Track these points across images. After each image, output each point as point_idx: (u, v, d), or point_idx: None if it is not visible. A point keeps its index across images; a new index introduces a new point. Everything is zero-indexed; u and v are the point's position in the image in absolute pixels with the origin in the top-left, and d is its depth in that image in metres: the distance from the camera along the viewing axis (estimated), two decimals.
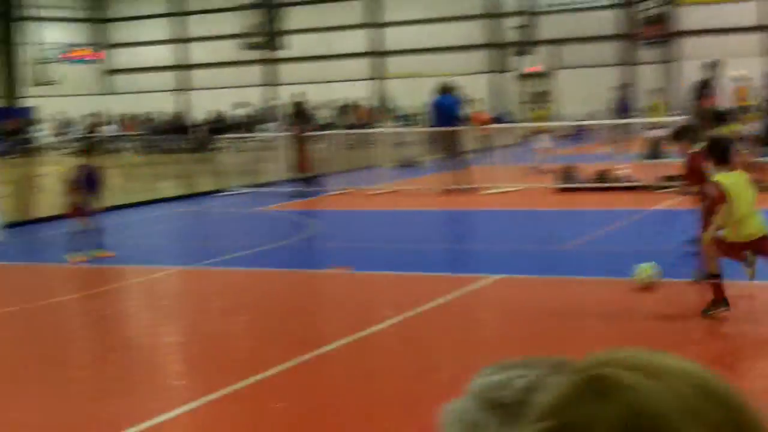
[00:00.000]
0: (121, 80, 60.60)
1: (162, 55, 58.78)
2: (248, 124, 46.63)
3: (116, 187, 22.41)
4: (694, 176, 10.97)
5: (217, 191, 24.98)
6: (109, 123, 51.10)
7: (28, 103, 54.29)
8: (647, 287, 11.01)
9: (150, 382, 8.93)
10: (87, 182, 14.97)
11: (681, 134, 11.78)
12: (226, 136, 32.16)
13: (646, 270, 11.17)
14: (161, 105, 52.36)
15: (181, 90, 58.22)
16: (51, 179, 28.14)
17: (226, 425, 7.52)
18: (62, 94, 54.82)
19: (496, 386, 1.37)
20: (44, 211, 21.44)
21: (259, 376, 8.42)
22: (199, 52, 57.89)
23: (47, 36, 56.58)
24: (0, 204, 18.41)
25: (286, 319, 11.07)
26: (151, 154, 42.97)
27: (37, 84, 55.36)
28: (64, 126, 51.25)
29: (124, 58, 60.35)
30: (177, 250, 14.93)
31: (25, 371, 9.41)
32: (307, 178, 23.53)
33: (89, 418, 7.78)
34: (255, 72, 55.68)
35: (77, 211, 15.00)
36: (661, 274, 11.09)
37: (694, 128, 12.68)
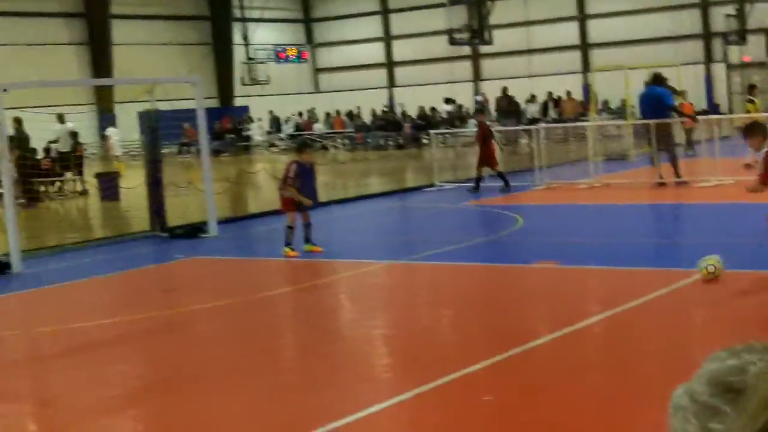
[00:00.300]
0: (328, 78, 61.85)
1: (369, 52, 59.64)
2: (455, 120, 46.82)
3: (326, 183, 22.89)
4: None
5: (425, 187, 25.15)
6: (316, 121, 52.22)
7: (241, 102, 56.10)
8: (711, 279, 10.98)
9: (359, 374, 9.06)
10: (301, 179, 15.29)
11: (751, 130, 11.79)
12: (434, 132, 32.33)
13: (709, 261, 11.12)
14: (368, 102, 53.12)
15: (388, 87, 58.95)
16: (263, 177, 29.00)
17: (435, 417, 7.54)
18: (272, 93, 56.37)
19: (730, 371, 1.32)
20: (256, 207, 22.08)
21: (466, 370, 8.41)
22: (405, 49, 58.47)
23: (258, 36, 58.30)
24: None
25: (492, 314, 11.02)
26: (358, 151, 43.68)
27: (250, 83, 57.13)
28: (273, 125, 52.70)
29: (331, 56, 61.55)
30: (385, 245, 15.09)
31: (239, 363, 9.70)
32: (500, 174, 23.32)
33: (301, 408, 7.94)
34: (461, 68, 55.80)
35: (290, 207, 15.33)
36: (724, 266, 11.03)
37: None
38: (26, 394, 9.44)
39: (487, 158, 23.31)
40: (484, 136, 23.51)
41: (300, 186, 15.22)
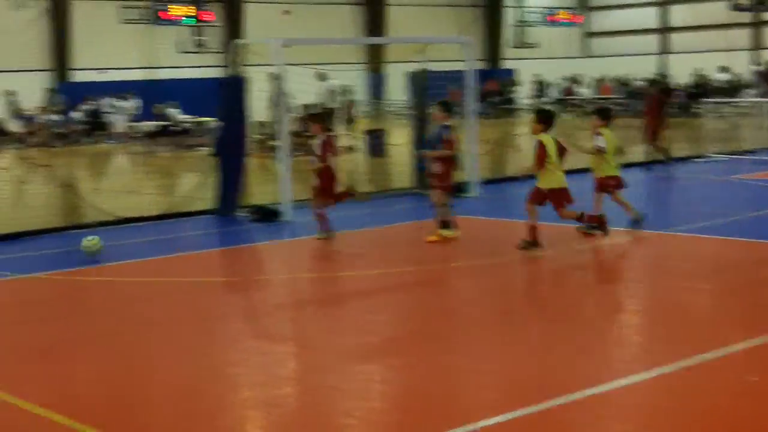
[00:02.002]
0: (598, 43, 60.72)
1: (641, 18, 58.11)
2: (731, 90, 45.03)
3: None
4: None
5: (695, 157, 24.41)
6: (584, 86, 51.40)
7: (508, 65, 55.96)
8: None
9: (620, 344, 9.00)
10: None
11: None
12: (708, 100, 31.21)
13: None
14: (639, 68, 51.78)
15: (661, 53, 57.30)
16: (526, 140, 28.89)
17: (699, 393, 7.37)
18: (540, 57, 55.94)
19: None
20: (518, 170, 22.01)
21: (730, 348, 8.20)
22: (681, 14, 56.65)
23: None
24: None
25: (756, 293, 10.63)
26: (626, 118, 42.73)
27: (518, 46, 56.89)
28: (538, 89, 52.29)
29: (603, 20, 60.37)
30: (650, 216, 14.75)
31: (491, 321, 9.80)
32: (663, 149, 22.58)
33: (554, 372, 7.95)
34: (739, 35, 53.49)
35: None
36: None
37: None
38: (288, 335, 9.88)
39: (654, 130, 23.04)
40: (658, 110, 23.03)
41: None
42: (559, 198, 13.08)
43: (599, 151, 14.18)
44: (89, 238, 13.70)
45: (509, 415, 6.88)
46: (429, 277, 12.14)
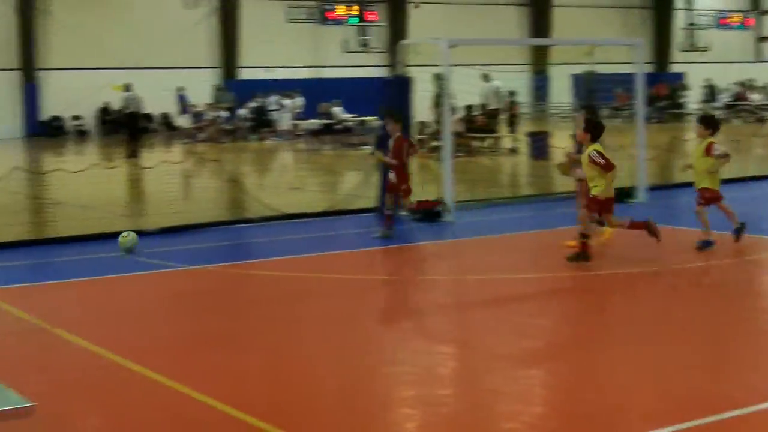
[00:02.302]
0: None
1: None
2: None
3: (762, 157, 21.85)
4: None
5: None
6: (756, 91, 49.82)
7: (677, 68, 54.72)
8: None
9: None
10: None
11: None
12: None
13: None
14: None
15: None
16: (694, 145, 28.14)
17: None
18: (710, 61, 54.52)
19: None
20: (685, 176, 21.48)
21: None
22: None
23: (701, 1, 56.47)
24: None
25: None
26: None
27: (687, 50, 55.59)
28: (708, 93, 50.92)
29: None
30: None
31: (651, 331, 9.57)
32: None
33: (730, 385, 7.72)
34: None
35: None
36: None
37: None
38: (449, 336, 9.86)
39: None
40: None
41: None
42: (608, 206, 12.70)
43: (725, 159, 13.55)
44: (125, 233, 14.00)
45: (673, 428, 6.68)
46: (589, 283, 11.95)
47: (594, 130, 12.85)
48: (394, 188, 15.08)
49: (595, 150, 12.52)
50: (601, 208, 12.58)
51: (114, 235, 14.59)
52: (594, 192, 12.60)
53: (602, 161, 12.37)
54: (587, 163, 12.55)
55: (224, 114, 38.63)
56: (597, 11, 52.18)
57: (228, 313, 10.68)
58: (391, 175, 15.12)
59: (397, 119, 15.16)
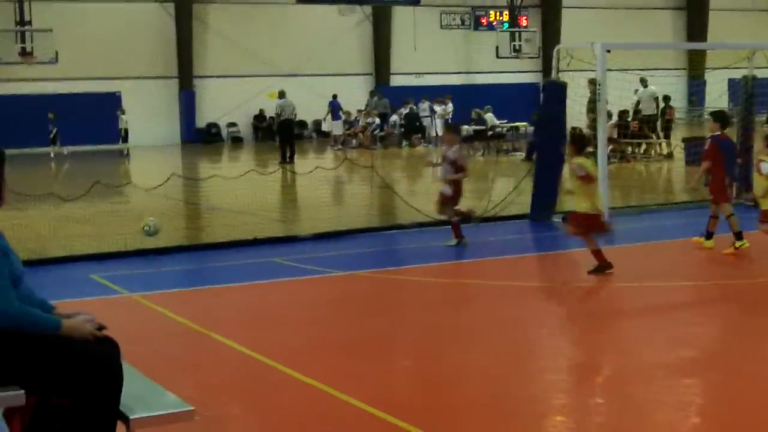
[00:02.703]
0: None
1: None
2: None
3: None
4: None
5: None
6: None
7: None
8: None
9: None
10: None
11: None
12: None
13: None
14: None
15: None
16: None
17: None
18: None
19: None
20: None
21: None
22: None
23: None
24: None
25: None
26: None
27: None
28: None
29: None
30: None
31: None
32: None
33: None
34: None
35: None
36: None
37: None
38: (608, 345, 9.68)
39: None
40: None
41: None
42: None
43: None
44: (146, 223, 13.97)
45: None
46: (748, 293, 11.59)
47: (578, 142, 12.45)
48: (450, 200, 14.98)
49: (578, 163, 12.13)
50: (583, 227, 12.22)
51: (268, 242, 14.85)
52: (577, 208, 12.27)
53: (583, 174, 12.02)
54: (570, 176, 12.32)
55: (377, 120, 38.93)
56: (754, 14, 50.72)
57: (380, 318, 10.72)
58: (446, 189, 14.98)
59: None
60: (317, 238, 15.72)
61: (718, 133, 14.03)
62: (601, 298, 11.83)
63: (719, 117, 14.29)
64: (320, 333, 10.10)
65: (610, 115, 26.91)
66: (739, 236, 13.62)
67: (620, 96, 26.96)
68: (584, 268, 12.51)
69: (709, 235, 13.99)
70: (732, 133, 16.03)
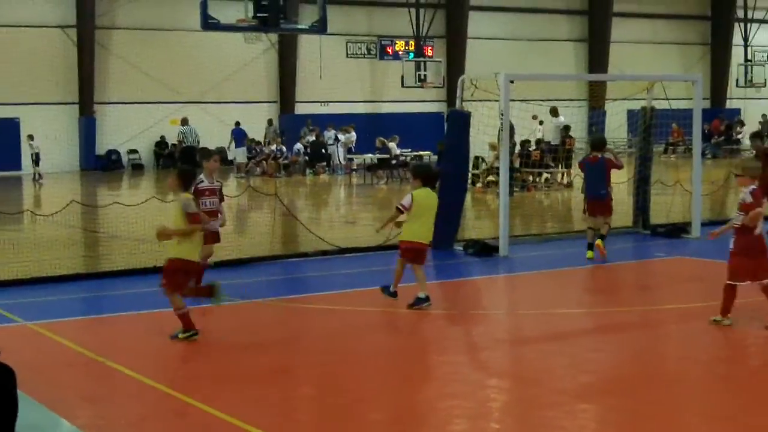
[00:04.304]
0: None
1: None
2: None
3: None
4: None
5: None
6: None
7: (734, 104, 54.23)
8: None
9: None
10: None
11: None
12: None
13: None
14: None
15: None
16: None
17: None
18: (767, 97, 53.98)
19: None
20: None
21: None
22: None
23: (759, 38, 55.94)
24: None
25: None
26: None
27: (744, 86, 55.06)
28: (766, 129, 50.28)
29: None
30: None
31: (707, 367, 9.40)
32: None
33: None
34: None
35: None
36: None
37: None
38: (508, 371, 9.76)
39: None
40: None
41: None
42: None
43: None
44: None
45: None
46: (645, 319, 11.80)
47: (183, 178, 11.52)
48: None
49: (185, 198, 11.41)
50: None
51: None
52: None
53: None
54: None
55: (283, 148, 38.82)
56: (654, 47, 51.95)
57: (282, 347, 10.66)
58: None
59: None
60: (220, 267, 15.57)
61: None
62: (502, 325, 11.92)
63: (595, 141, 16.79)
64: (221, 361, 10.00)
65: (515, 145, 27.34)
66: (590, 247, 15.52)
67: (522, 126, 27.39)
68: (484, 296, 12.61)
69: (589, 246, 15.64)
70: (630, 162, 16.38)
